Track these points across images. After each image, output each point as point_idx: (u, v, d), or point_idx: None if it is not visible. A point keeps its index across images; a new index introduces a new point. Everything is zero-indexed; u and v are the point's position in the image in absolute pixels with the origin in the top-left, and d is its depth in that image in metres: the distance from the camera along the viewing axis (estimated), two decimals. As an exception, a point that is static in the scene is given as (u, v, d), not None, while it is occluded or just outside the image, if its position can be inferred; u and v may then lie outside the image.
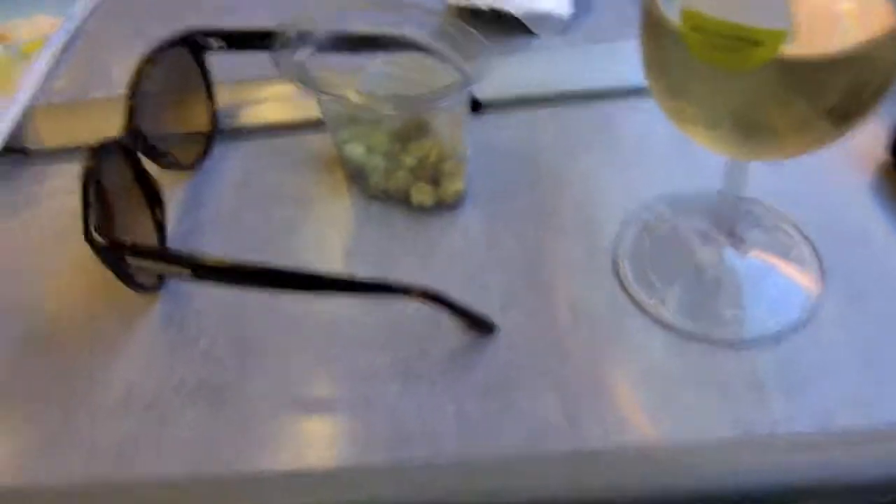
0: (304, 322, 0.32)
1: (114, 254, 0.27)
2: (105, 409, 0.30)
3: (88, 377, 0.31)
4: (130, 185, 0.33)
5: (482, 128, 0.41)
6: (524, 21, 0.47)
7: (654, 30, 0.27)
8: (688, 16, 0.24)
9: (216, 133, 0.42)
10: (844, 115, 0.26)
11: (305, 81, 0.34)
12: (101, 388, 0.31)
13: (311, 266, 0.35)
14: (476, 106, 0.43)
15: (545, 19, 0.47)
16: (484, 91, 0.42)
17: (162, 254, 0.29)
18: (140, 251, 0.27)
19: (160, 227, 0.34)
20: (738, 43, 0.24)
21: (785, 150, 0.28)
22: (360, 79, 0.39)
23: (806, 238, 0.35)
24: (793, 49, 0.24)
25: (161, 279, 0.33)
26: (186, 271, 0.27)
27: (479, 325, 0.31)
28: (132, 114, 0.34)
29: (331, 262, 0.35)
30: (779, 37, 0.23)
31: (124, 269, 0.28)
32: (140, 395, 0.30)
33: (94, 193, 0.29)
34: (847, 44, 0.25)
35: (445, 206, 0.37)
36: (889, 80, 0.27)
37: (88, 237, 0.27)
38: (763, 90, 0.25)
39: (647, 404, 0.29)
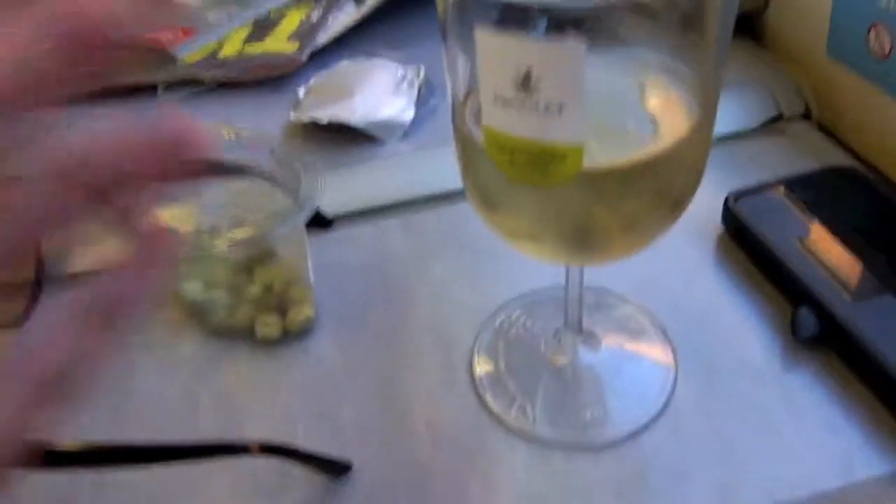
0: (137, 494, 0.29)
1: None
2: None
3: None
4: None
5: (331, 245, 0.40)
6: (366, 131, 0.47)
7: (464, 148, 0.27)
8: (488, 134, 0.24)
9: (42, 284, 0.39)
10: (666, 209, 0.27)
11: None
12: None
13: (146, 425, 0.32)
14: (324, 222, 0.42)
15: (388, 126, 0.48)
16: (331, 206, 0.42)
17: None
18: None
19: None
20: (540, 159, 0.23)
21: (613, 253, 0.28)
22: (196, 211, 0.38)
23: (655, 323, 0.35)
24: (610, 158, 0.24)
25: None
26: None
27: (331, 468, 0.29)
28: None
29: (169, 418, 0.32)
30: (579, 150, 0.23)
31: None
32: None
33: None
34: (651, 147, 0.25)
35: (294, 335, 0.35)
36: (698, 170, 0.27)
37: None
38: (576, 202, 0.25)
39: (514, 525, 0.28)
